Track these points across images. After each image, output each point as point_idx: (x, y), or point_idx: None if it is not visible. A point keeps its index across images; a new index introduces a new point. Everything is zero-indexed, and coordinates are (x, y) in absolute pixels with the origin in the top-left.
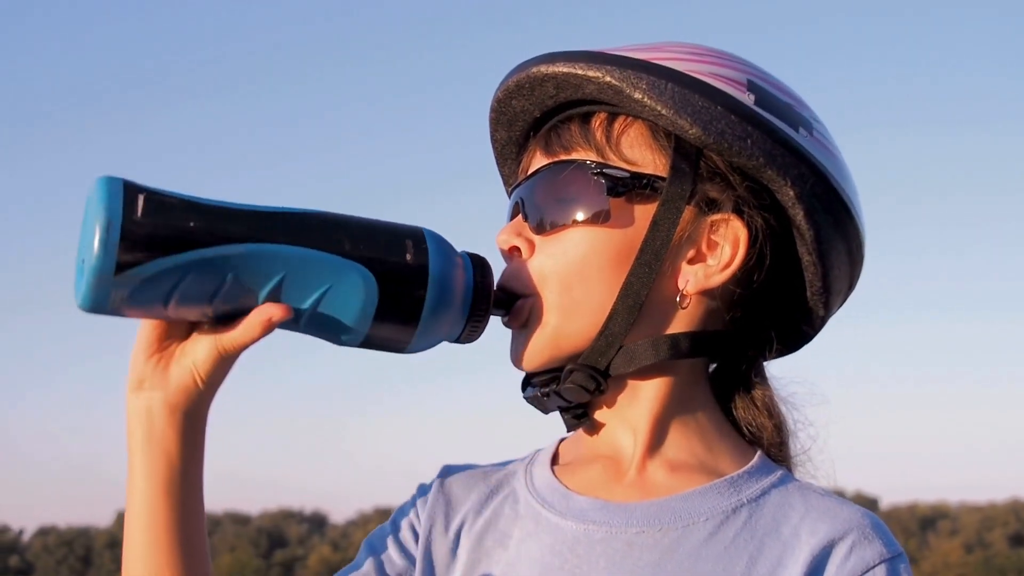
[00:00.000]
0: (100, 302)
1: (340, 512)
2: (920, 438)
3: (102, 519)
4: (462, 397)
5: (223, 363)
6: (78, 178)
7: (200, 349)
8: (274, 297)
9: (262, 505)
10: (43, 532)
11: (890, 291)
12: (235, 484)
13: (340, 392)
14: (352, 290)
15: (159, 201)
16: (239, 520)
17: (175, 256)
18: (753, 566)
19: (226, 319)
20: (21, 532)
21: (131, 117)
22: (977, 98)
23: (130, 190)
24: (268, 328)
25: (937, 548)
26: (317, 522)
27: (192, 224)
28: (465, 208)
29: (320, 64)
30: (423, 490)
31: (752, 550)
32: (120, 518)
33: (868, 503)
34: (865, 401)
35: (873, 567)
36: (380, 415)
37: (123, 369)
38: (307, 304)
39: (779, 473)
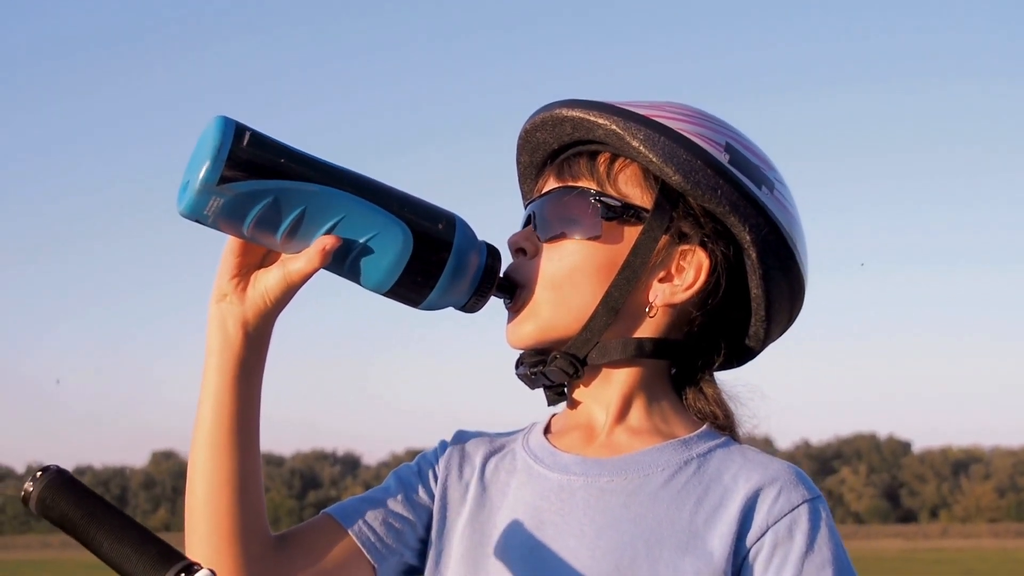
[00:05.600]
0: (200, 206)
1: (372, 454)
2: (953, 382)
3: (138, 459)
4: (490, 343)
5: (289, 290)
6: (104, 119)
7: (271, 278)
8: (330, 233)
9: (295, 447)
10: (79, 472)
11: (926, 238)
12: (269, 425)
13: (373, 334)
14: (393, 241)
15: (260, 139)
16: (273, 461)
17: (264, 181)
18: (699, 505)
19: (289, 251)
20: None
21: (150, 63)
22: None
23: (239, 127)
24: (324, 256)
25: (970, 492)
26: (350, 463)
27: (283, 160)
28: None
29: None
30: (443, 445)
31: (699, 493)
32: (155, 458)
33: (901, 447)
34: (898, 344)
35: (798, 506)
36: (413, 358)
37: (162, 316)
38: (356, 243)
39: (723, 438)
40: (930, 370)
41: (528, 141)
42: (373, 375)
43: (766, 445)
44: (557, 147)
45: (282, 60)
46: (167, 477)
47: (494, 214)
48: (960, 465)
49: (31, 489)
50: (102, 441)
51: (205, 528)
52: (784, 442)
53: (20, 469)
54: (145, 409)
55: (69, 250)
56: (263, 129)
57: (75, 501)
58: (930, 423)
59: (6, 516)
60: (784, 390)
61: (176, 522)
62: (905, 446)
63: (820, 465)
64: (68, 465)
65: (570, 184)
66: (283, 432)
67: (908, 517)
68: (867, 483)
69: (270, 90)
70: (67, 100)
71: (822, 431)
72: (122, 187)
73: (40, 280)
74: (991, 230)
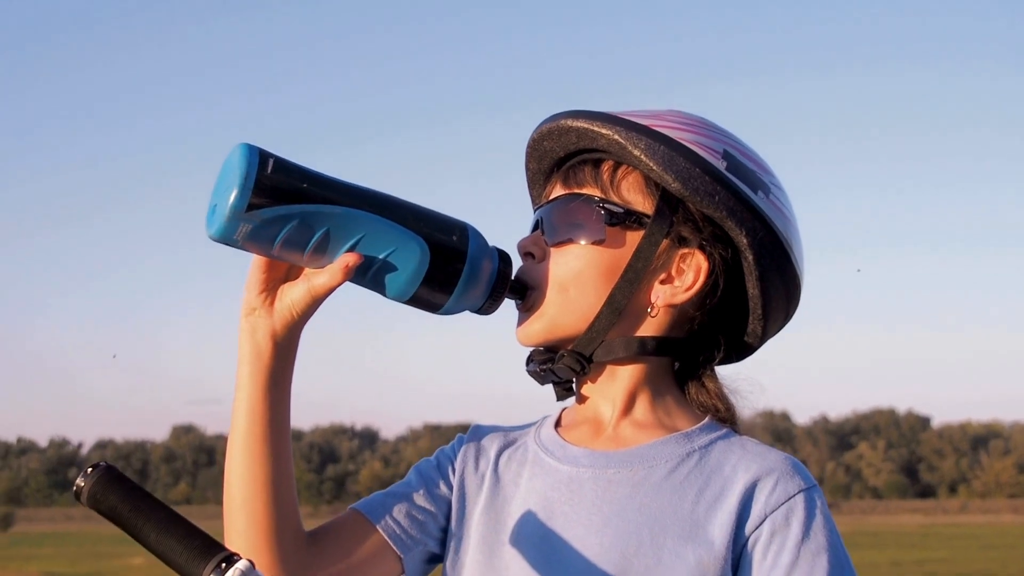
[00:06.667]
0: (230, 233)
1: (390, 428)
2: (972, 356)
3: (158, 433)
4: (504, 321)
5: (314, 303)
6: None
7: (297, 291)
8: (352, 251)
9: (314, 421)
10: (101, 445)
11: (946, 215)
12: None
13: (390, 310)
14: (411, 254)
15: (283, 165)
16: (291, 435)
17: (290, 206)
18: (701, 495)
19: (314, 266)
20: (80, 445)
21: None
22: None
23: (263, 154)
24: (346, 273)
25: (989, 467)
26: (368, 438)
27: (305, 185)
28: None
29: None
30: (460, 440)
31: (700, 484)
32: (175, 432)
33: (919, 422)
34: (917, 319)
35: (794, 495)
36: (430, 334)
37: (182, 295)
38: (377, 259)
39: (724, 430)
40: (949, 345)
41: (536, 149)
42: (390, 350)
43: (784, 420)
44: (563, 155)
45: (291, 55)
46: (187, 451)
47: (506, 202)
48: (979, 440)
49: (83, 484)
50: (123, 415)
51: (242, 526)
52: (802, 417)
53: (43, 443)
54: (165, 384)
55: (82, 226)
56: (278, 134)
57: (123, 495)
58: (949, 398)
59: (30, 489)
60: (803, 365)
61: (197, 495)
62: (924, 421)
63: (838, 440)
64: (89, 440)
65: (575, 191)
66: (301, 407)
67: (927, 492)
68: (885, 458)
69: (271, 77)
70: (54, 81)
71: (840, 406)
72: (125, 160)
73: (55, 256)
74: (1011, 208)
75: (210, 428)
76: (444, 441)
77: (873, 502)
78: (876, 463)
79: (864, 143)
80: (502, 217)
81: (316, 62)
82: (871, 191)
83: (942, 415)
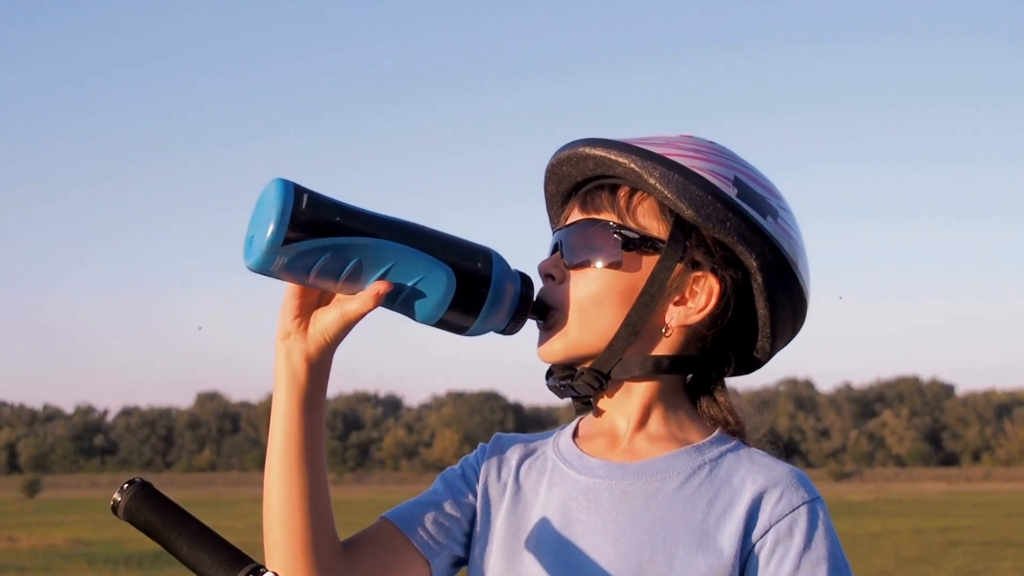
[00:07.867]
0: (267, 265)
1: (414, 396)
2: (997, 323)
3: (183, 400)
4: None
5: (346, 327)
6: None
7: (330, 316)
8: (383, 279)
9: (338, 388)
10: (126, 412)
11: (968, 182)
12: None
13: None
14: (438, 281)
15: (317, 200)
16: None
17: (323, 239)
18: (711, 506)
19: (347, 293)
20: (106, 412)
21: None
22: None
23: (298, 190)
24: (377, 300)
25: (1013, 435)
26: (392, 405)
27: (338, 219)
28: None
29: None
30: (483, 450)
31: (711, 495)
32: (200, 399)
33: (943, 390)
34: (942, 286)
35: (798, 507)
36: None
37: (200, 265)
38: (406, 286)
39: (734, 442)
40: (974, 312)
41: (554, 173)
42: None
43: (808, 388)
44: (581, 180)
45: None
46: (212, 418)
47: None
48: (1003, 408)
49: (119, 499)
50: (148, 382)
51: (281, 539)
52: (826, 385)
53: (69, 410)
54: (190, 351)
55: (103, 195)
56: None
57: (157, 510)
58: (973, 366)
59: (56, 456)
60: (826, 333)
61: (221, 462)
62: (948, 389)
63: (862, 408)
64: (115, 407)
65: (593, 216)
66: None
67: (950, 460)
68: (909, 426)
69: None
70: (61, 50)
71: (864, 374)
72: (141, 128)
73: (75, 225)
74: None
75: (235, 395)
76: (467, 409)
77: (896, 470)
78: (900, 431)
79: (891, 113)
80: (513, 204)
81: (325, 52)
82: (895, 160)
83: (966, 383)
